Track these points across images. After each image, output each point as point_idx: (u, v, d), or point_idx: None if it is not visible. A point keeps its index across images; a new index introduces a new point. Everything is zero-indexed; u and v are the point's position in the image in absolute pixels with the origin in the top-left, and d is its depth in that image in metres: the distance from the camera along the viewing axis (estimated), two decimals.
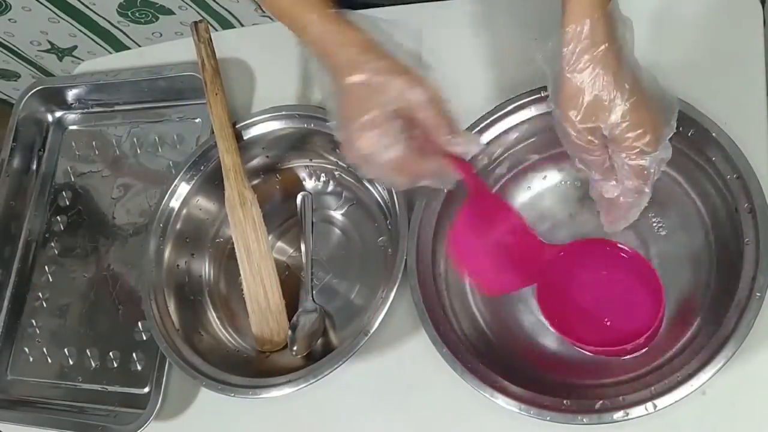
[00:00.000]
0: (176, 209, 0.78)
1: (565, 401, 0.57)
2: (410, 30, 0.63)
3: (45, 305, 0.89)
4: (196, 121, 0.88)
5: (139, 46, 1.53)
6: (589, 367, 0.63)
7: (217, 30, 1.04)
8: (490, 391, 0.59)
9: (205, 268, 0.81)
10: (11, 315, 0.89)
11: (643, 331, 0.58)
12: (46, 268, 0.91)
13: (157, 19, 1.44)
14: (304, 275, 0.76)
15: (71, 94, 0.95)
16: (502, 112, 0.67)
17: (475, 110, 0.68)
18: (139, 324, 0.81)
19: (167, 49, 0.93)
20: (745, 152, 0.58)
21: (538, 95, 0.66)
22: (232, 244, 0.76)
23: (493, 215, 0.64)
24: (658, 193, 0.65)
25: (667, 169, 0.65)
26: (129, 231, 0.87)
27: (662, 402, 0.53)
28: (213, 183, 0.79)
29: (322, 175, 0.81)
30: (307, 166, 0.81)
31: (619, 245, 0.61)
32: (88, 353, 0.83)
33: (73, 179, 0.94)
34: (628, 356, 0.61)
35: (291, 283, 0.76)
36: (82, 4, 1.39)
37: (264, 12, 1.37)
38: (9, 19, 1.47)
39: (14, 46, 1.60)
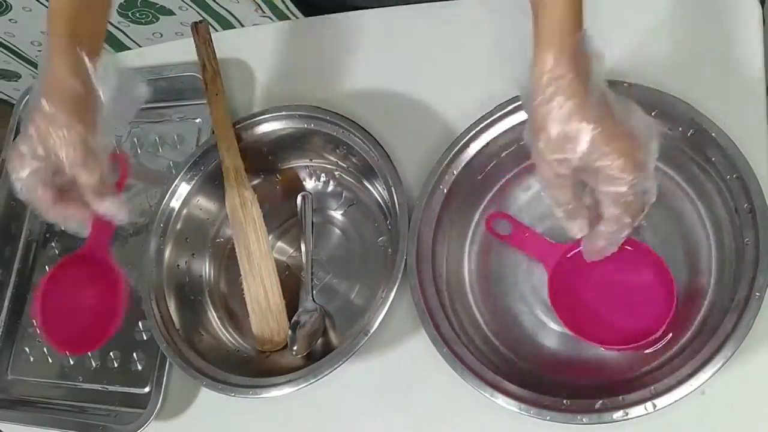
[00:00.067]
0: (177, 209, 0.78)
1: (565, 401, 0.57)
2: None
3: None
4: (197, 121, 0.88)
5: (140, 46, 1.53)
6: (589, 367, 0.63)
7: (217, 30, 1.04)
8: (490, 391, 0.59)
9: (205, 268, 0.81)
10: (12, 315, 0.89)
11: (656, 326, 0.58)
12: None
13: (157, 19, 1.44)
14: (304, 275, 0.76)
15: None
16: (502, 112, 0.67)
17: (475, 111, 0.68)
18: (140, 324, 0.81)
19: (167, 50, 0.93)
20: (745, 152, 0.58)
21: None
22: (233, 244, 0.76)
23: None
24: (657, 193, 0.65)
25: (667, 169, 0.65)
26: (129, 231, 0.87)
27: (662, 402, 0.53)
28: (213, 183, 0.79)
29: (322, 175, 0.81)
30: (307, 166, 0.81)
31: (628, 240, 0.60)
32: (89, 353, 0.83)
33: None
34: (645, 350, 0.61)
35: (291, 283, 0.77)
36: None
37: (264, 12, 1.37)
38: (9, 20, 1.47)
39: (15, 46, 1.60)
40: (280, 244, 0.80)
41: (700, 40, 0.67)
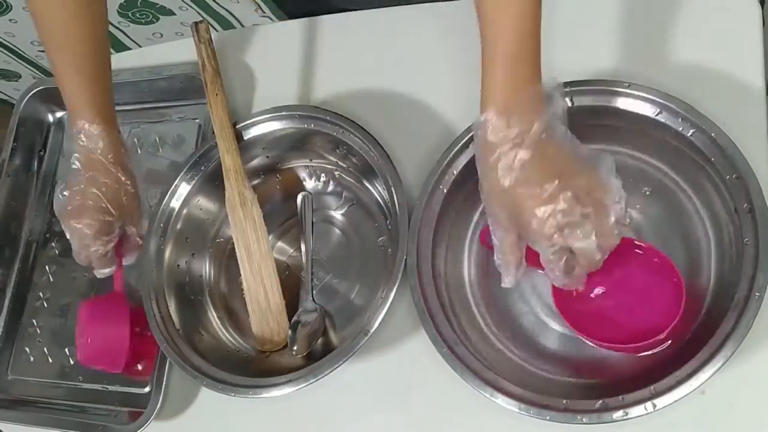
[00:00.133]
0: (177, 209, 0.79)
1: (565, 401, 0.57)
2: None
3: (46, 305, 0.89)
4: (197, 121, 0.88)
5: (140, 46, 1.53)
6: (589, 367, 0.63)
7: (217, 30, 1.04)
8: (490, 391, 0.59)
9: (205, 268, 0.81)
10: (12, 315, 0.89)
11: (663, 326, 0.57)
12: (47, 267, 0.91)
13: (157, 19, 1.44)
14: (304, 275, 0.76)
15: None
16: None
17: (475, 111, 0.68)
18: None
19: (167, 50, 0.93)
20: (745, 153, 0.58)
21: None
22: (233, 244, 0.76)
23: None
24: (657, 193, 0.65)
25: (667, 170, 0.65)
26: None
27: (661, 402, 0.53)
28: (213, 183, 0.79)
29: (323, 175, 0.81)
30: (307, 166, 0.81)
31: (636, 242, 0.60)
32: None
33: None
34: (653, 350, 0.60)
35: (291, 283, 0.77)
36: None
37: (264, 13, 1.37)
38: (10, 20, 1.47)
39: (15, 46, 1.60)
40: (280, 244, 0.81)
41: (700, 40, 0.67)
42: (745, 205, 0.57)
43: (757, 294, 0.53)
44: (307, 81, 0.82)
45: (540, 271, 0.58)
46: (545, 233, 0.53)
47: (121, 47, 1.54)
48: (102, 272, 0.76)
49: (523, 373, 0.63)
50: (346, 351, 0.64)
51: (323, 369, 0.64)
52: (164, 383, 0.73)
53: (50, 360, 0.86)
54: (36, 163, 0.96)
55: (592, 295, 0.62)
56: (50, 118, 0.97)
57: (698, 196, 0.64)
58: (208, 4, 1.37)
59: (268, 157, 0.80)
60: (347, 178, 0.79)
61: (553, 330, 0.65)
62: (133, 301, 0.77)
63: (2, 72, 1.73)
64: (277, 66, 0.85)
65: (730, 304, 0.55)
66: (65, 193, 0.73)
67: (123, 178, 0.73)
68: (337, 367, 0.64)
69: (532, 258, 0.58)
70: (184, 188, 0.79)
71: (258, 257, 0.75)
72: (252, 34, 0.89)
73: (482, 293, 0.69)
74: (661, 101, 0.61)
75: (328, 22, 0.85)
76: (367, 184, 0.77)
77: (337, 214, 0.79)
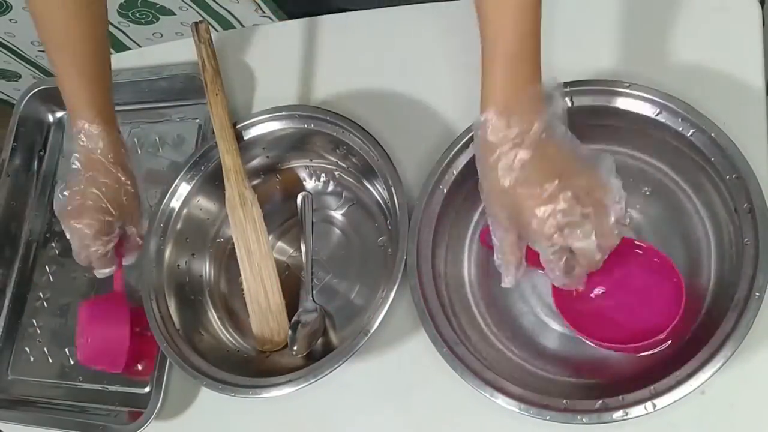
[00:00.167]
0: (177, 209, 0.78)
1: (565, 401, 0.57)
2: None
3: (46, 305, 0.89)
4: (197, 121, 0.88)
5: (140, 46, 1.53)
6: (589, 367, 0.63)
7: (217, 30, 1.04)
8: (490, 391, 0.59)
9: (205, 268, 0.81)
10: (12, 315, 0.89)
11: (665, 325, 0.57)
12: (47, 267, 0.91)
13: (157, 19, 1.44)
14: (304, 275, 0.76)
15: None
16: None
17: (475, 111, 0.68)
18: None
19: (168, 50, 0.93)
20: (745, 152, 0.58)
21: None
22: (233, 244, 0.76)
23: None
24: (657, 193, 0.65)
25: (667, 169, 0.65)
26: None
27: (661, 402, 0.53)
28: (213, 183, 0.79)
29: (323, 175, 0.81)
30: (308, 166, 0.81)
31: (636, 242, 0.60)
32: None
33: None
34: (653, 350, 0.60)
35: (291, 283, 0.77)
36: None
37: (264, 13, 1.37)
38: (10, 20, 1.47)
39: (15, 46, 1.60)
40: (280, 244, 0.81)
41: (700, 40, 0.67)
42: (745, 205, 0.57)
43: (757, 294, 0.53)
44: (307, 81, 0.82)
45: (540, 271, 0.58)
46: (545, 233, 0.53)
47: (121, 47, 1.54)
48: (102, 272, 0.76)
49: (523, 373, 0.63)
50: (346, 351, 0.64)
51: (323, 369, 0.64)
52: (164, 383, 0.73)
53: (50, 360, 0.86)
54: (36, 163, 0.96)
55: (592, 295, 0.62)
56: (50, 118, 0.97)
57: (698, 196, 0.64)
58: (208, 4, 1.37)
59: (268, 157, 0.80)
60: (347, 178, 0.79)
61: (553, 330, 0.65)
62: (133, 301, 0.77)
63: (2, 72, 1.73)
64: (277, 66, 0.85)
65: (730, 304, 0.55)
66: (65, 193, 0.73)
67: (123, 178, 0.73)
68: (337, 367, 0.64)
69: (531, 258, 0.58)
70: (184, 188, 0.79)
71: (258, 257, 0.75)
72: (252, 34, 0.89)
73: (482, 293, 0.69)
74: (661, 101, 0.61)
75: (328, 22, 0.85)
76: (367, 184, 0.77)
77: (337, 214, 0.79)
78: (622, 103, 0.63)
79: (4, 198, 0.91)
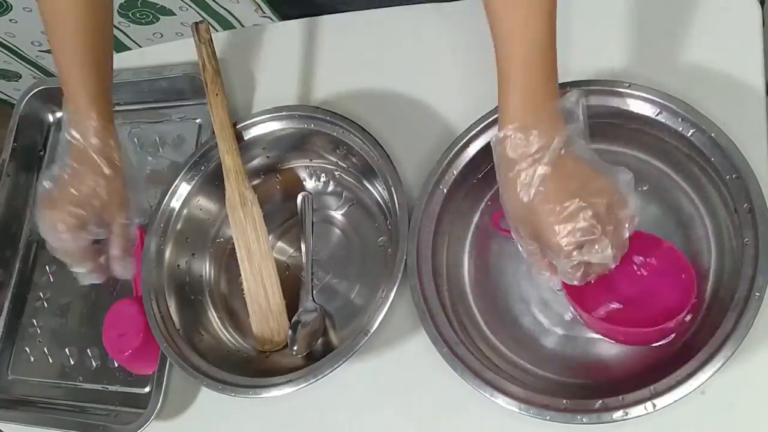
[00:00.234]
0: (177, 209, 0.78)
1: (564, 401, 0.57)
2: None
3: (46, 305, 0.89)
4: (197, 121, 0.88)
5: (140, 46, 1.53)
6: (588, 367, 0.63)
7: (217, 30, 1.04)
8: (490, 391, 0.59)
9: (205, 268, 0.81)
10: (12, 315, 0.89)
11: (676, 314, 0.57)
12: (47, 267, 0.91)
13: (157, 19, 1.44)
14: (304, 275, 0.76)
15: None
16: None
17: (475, 111, 0.68)
18: None
19: (168, 50, 0.93)
20: (744, 152, 0.58)
21: None
22: (233, 244, 0.76)
23: None
24: (657, 193, 0.65)
25: (667, 169, 0.65)
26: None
27: (661, 402, 0.53)
28: (213, 183, 0.79)
29: (323, 175, 0.81)
30: (308, 166, 0.81)
31: (644, 234, 0.60)
32: (89, 353, 0.83)
33: None
34: (662, 341, 0.60)
35: (291, 283, 0.77)
36: None
37: (264, 13, 1.37)
38: (10, 20, 1.47)
39: (15, 46, 1.60)
40: (280, 244, 0.81)
41: (701, 40, 0.67)
42: (745, 205, 0.57)
43: (757, 294, 0.53)
44: (307, 81, 0.82)
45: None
46: (565, 251, 0.54)
47: (121, 47, 1.54)
48: (78, 270, 0.72)
49: (523, 373, 0.63)
50: (346, 351, 0.64)
51: (323, 369, 0.64)
52: (164, 383, 0.73)
53: (50, 360, 0.86)
54: (36, 163, 0.96)
55: (606, 292, 0.62)
56: (50, 118, 0.97)
57: (698, 196, 0.64)
58: (208, 4, 1.37)
59: (268, 157, 0.80)
60: (347, 178, 0.79)
61: (552, 330, 0.65)
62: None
63: (2, 72, 1.73)
64: (277, 66, 0.85)
65: (730, 304, 0.55)
66: (46, 184, 0.70)
67: (108, 172, 0.69)
68: (337, 367, 0.64)
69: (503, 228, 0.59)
70: (184, 188, 0.79)
71: (258, 257, 0.75)
72: (252, 34, 0.89)
73: (482, 293, 0.69)
74: (661, 101, 0.61)
75: (328, 22, 0.85)
76: (367, 184, 0.77)
77: (337, 214, 0.79)
78: (622, 103, 0.63)
79: (4, 198, 0.91)
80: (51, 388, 0.85)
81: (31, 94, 0.95)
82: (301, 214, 0.79)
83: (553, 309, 0.66)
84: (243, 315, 0.77)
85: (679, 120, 0.61)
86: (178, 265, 0.79)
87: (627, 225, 0.55)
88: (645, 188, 0.66)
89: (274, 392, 0.66)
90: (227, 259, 0.81)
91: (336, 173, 0.80)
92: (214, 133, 0.77)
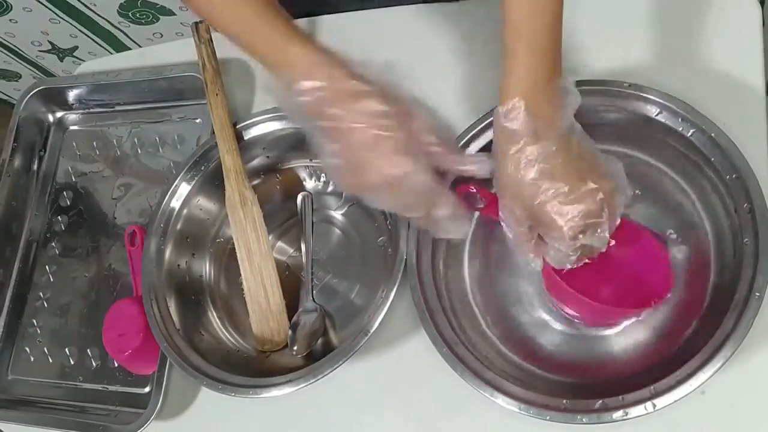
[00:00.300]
0: (177, 209, 0.79)
1: (564, 401, 0.57)
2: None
3: (46, 305, 0.89)
4: (197, 121, 0.88)
5: (140, 46, 1.53)
6: (588, 367, 0.63)
7: (217, 30, 1.04)
8: (490, 391, 0.59)
9: (205, 268, 0.81)
10: (12, 315, 0.89)
11: (657, 293, 0.58)
12: (47, 267, 0.91)
13: (157, 19, 1.44)
14: (304, 275, 0.76)
15: (72, 95, 0.95)
16: None
17: (476, 110, 0.69)
18: None
19: (168, 50, 0.93)
20: (744, 152, 0.58)
21: None
22: (233, 244, 0.76)
23: None
24: (657, 193, 0.65)
25: (667, 169, 0.65)
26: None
27: (661, 402, 0.53)
28: (213, 183, 0.79)
29: (323, 175, 0.81)
30: (308, 166, 0.81)
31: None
32: (89, 353, 0.84)
33: (74, 179, 0.94)
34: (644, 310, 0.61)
35: (291, 283, 0.77)
36: (83, 4, 1.39)
37: None
38: (10, 20, 1.47)
39: (15, 46, 1.60)
40: (280, 244, 0.81)
41: (700, 40, 0.67)
42: (745, 205, 0.57)
43: (757, 294, 0.53)
44: None
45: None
46: (570, 234, 0.53)
47: (122, 47, 1.54)
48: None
49: (523, 373, 0.63)
50: (346, 351, 0.64)
51: (323, 369, 0.64)
52: (164, 383, 0.73)
53: (50, 360, 0.86)
54: (36, 163, 0.96)
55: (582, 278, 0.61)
56: (50, 118, 0.97)
57: (698, 196, 0.64)
58: None
59: (268, 157, 0.80)
60: None
61: (553, 330, 0.65)
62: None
63: (2, 72, 1.73)
64: None
65: (730, 304, 0.55)
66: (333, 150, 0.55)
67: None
68: (337, 367, 0.64)
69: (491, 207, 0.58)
70: (184, 188, 0.79)
71: (258, 257, 0.75)
72: None
73: (482, 293, 0.69)
74: (661, 101, 0.61)
75: (328, 22, 0.85)
76: None
77: (337, 214, 0.79)
78: (622, 103, 0.63)
79: (4, 198, 0.91)
80: (51, 388, 0.85)
81: (31, 94, 0.95)
82: (301, 214, 0.79)
83: (554, 309, 0.66)
84: (243, 315, 0.77)
85: (679, 120, 0.61)
86: (178, 265, 0.79)
87: (620, 212, 0.56)
88: (646, 190, 0.66)
89: (274, 392, 0.66)
90: (227, 259, 0.81)
91: None
92: (214, 133, 0.77)
